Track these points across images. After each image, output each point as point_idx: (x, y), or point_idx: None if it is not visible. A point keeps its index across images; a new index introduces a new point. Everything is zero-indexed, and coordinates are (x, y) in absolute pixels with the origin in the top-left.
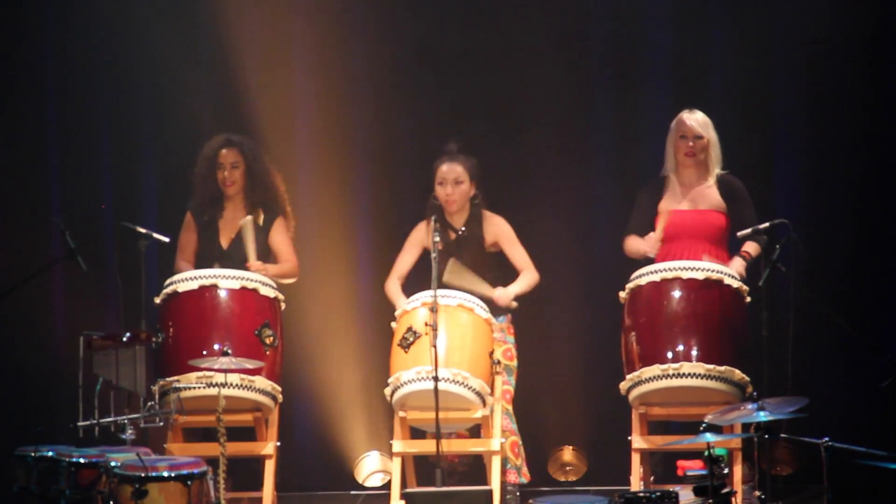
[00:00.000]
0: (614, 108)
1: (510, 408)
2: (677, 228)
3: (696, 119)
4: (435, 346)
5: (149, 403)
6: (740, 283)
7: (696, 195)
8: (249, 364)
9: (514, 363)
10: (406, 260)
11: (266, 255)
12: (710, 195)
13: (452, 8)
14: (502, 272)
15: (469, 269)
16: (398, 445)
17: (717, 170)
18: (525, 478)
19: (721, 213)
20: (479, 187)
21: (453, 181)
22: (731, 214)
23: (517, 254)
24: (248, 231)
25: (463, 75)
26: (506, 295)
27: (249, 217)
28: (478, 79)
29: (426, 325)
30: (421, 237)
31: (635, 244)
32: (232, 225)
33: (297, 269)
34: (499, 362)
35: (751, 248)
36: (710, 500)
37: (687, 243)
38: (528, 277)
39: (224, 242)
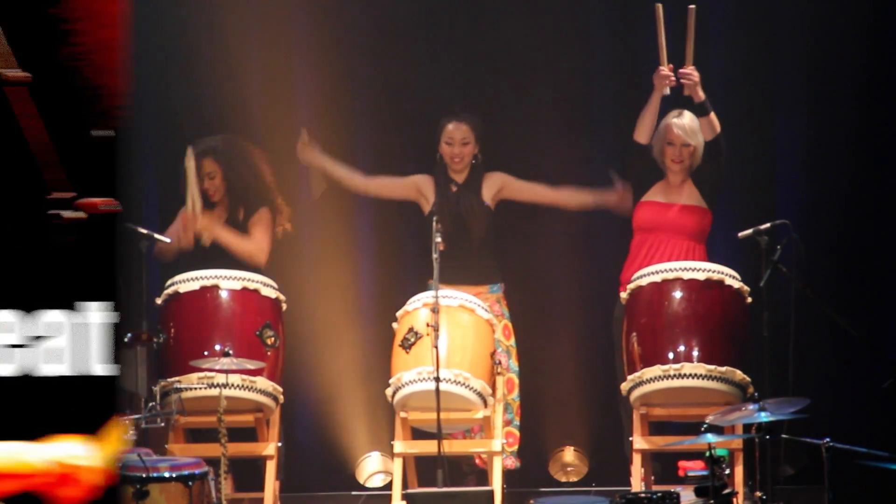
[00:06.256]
0: (615, 97)
1: (511, 397)
2: (658, 222)
3: (683, 126)
4: (436, 347)
5: (150, 404)
6: (741, 284)
7: (678, 190)
8: (250, 365)
9: (512, 341)
10: (388, 182)
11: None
12: (692, 192)
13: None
14: (494, 227)
15: None
16: (399, 446)
17: None
18: (511, 465)
19: (702, 209)
20: (481, 147)
21: (460, 141)
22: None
23: (531, 186)
24: (191, 174)
25: (461, 75)
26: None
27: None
28: (478, 76)
29: (427, 325)
30: (417, 182)
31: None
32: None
33: (260, 254)
34: (500, 363)
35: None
36: (712, 501)
37: (666, 236)
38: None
39: (207, 243)
